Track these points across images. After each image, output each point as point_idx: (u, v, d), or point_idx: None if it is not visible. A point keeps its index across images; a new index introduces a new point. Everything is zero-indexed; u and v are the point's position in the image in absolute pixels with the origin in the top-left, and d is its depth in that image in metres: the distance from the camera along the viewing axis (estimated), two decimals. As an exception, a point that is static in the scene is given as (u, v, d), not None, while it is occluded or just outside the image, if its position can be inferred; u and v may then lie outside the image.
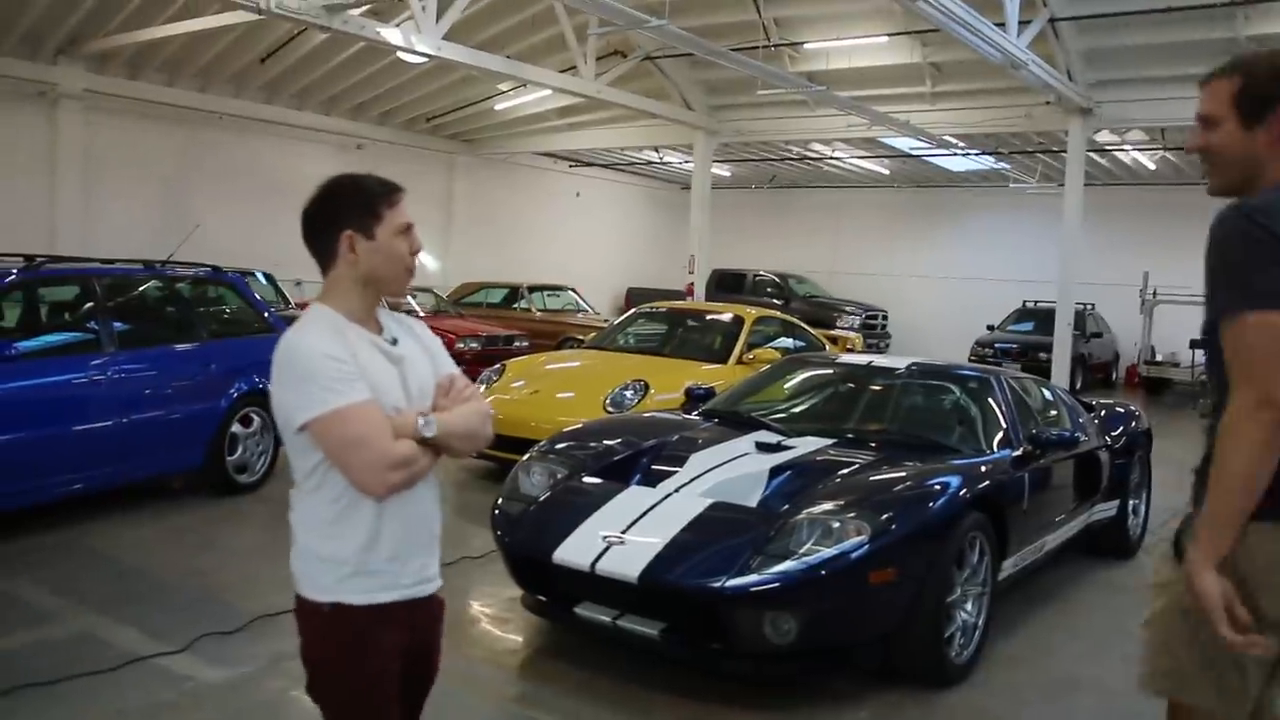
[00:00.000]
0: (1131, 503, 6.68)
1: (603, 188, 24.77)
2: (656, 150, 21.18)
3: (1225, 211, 2.06)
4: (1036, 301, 19.26)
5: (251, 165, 16.80)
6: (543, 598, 4.55)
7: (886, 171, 21.79)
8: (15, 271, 6.04)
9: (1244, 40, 12.20)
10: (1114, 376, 20.04)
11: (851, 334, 14.82)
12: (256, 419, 7.19)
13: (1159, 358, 18.65)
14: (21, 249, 7.01)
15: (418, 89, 17.22)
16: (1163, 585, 2.30)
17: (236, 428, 7.08)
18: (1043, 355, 15.88)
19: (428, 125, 19.50)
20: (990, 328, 19.29)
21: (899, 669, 4.31)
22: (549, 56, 14.89)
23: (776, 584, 3.88)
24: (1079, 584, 6.08)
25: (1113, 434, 6.54)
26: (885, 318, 22.08)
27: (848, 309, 21.31)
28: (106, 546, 5.91)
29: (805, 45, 14.31)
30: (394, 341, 2.26)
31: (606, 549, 4.17)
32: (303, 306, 13.83)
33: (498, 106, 18.13)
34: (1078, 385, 16.29)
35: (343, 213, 2.16)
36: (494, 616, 5.12)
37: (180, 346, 6.95)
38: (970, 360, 17.27)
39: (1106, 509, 6.34)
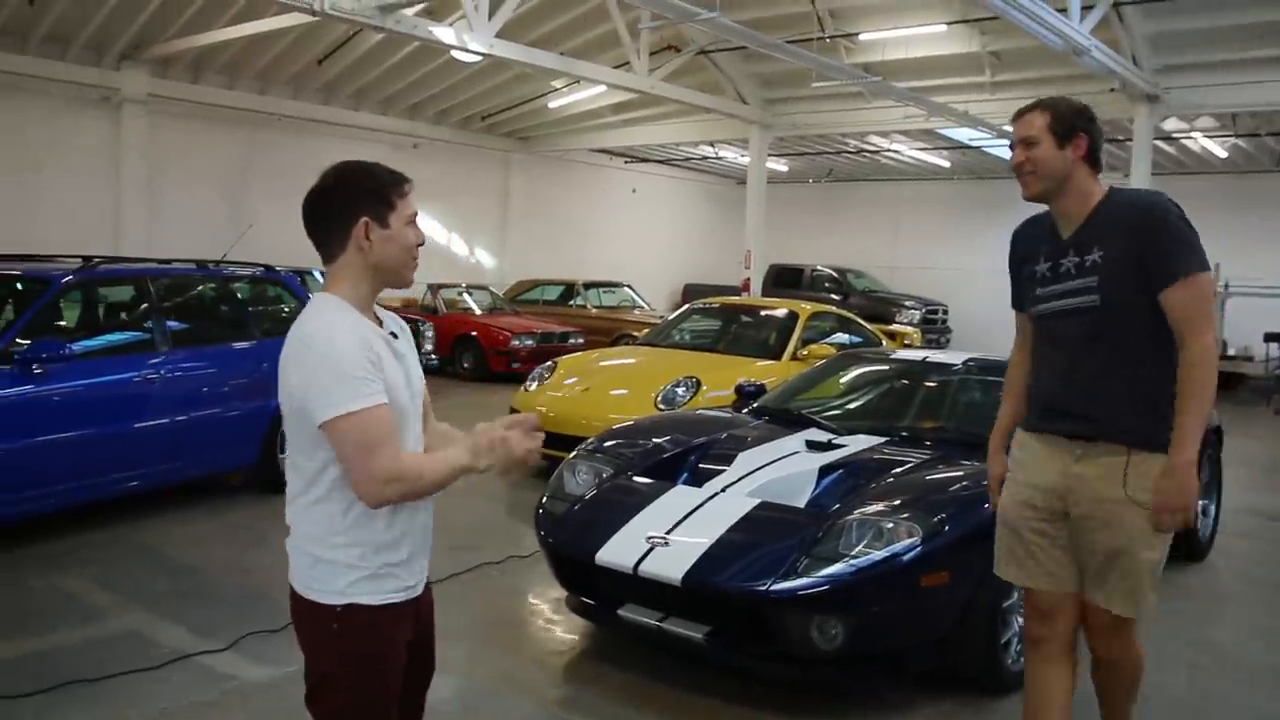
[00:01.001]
0: (1200, 503, 6.42)
1: (658, 183, 24.69)
2: (712, 145, 21.04)
3: (1162, 199, 2.91)
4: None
5: (309, 165, 16.24)
6: (587, 599, 4.48)
7: (946, 164, 21.42)
8: (72, 273, 6.12)
9: (1320, 21, 11.77)
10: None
11: (909, 329, 14.57)
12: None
13: (1231, 352, 18.04)
14: (87, 250, 7.13)
15: (472, 88, 17.31)
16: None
17: (289, 426, 7.10)
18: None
19: (483, 124, 19.59)
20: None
21: (952, 675, 4.16)
22: (602, 53, 14.84)
23: (824, 587, 3.76)
24: (1145, 587, 5.84)
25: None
26: (946, 312, 21.68)
27: (907, 303, 20.98)
28: (159, 543, 5.96)
29: (861, 36, 14.08)
30: (394, 336, 2.25)
31: (650, 550, 4.08)
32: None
33: (552, 104, 18.14)
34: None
35: (358, 199, 2.13)
36: (540, 617, 5.06)
37: (234, 345, 7.01)
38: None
39: (1174, 509, 6.08)
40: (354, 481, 2.04)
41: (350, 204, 2.13)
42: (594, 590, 4.41)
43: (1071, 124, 2.95)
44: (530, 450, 2.15)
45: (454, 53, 13.76)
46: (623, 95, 16.61)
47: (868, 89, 13.95)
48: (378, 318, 2.23)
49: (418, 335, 12.77)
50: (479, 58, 13.42)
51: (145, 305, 6.53)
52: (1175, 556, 6.15)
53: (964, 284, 22.15)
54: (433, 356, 12.98)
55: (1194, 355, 2.78)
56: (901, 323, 18.81)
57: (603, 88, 15.84)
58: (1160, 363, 2.86)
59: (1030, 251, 3.13)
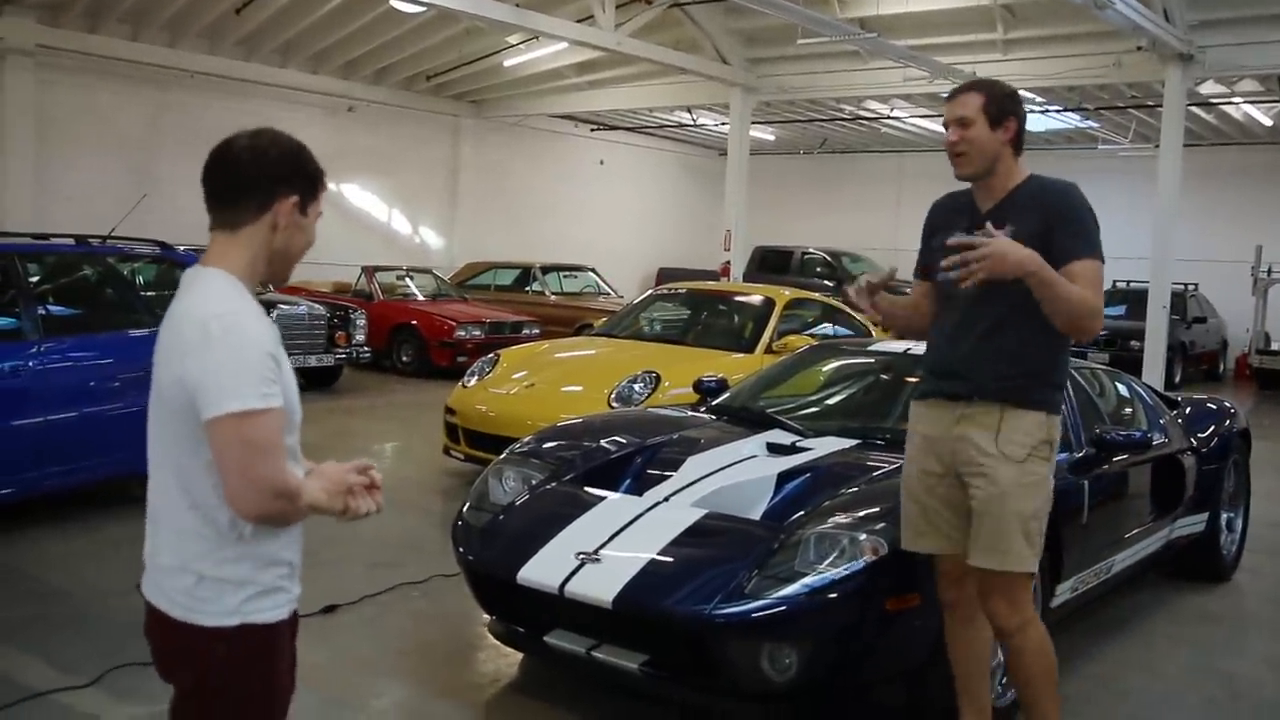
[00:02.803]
0: (1225, 516, 6.43)
1: (629, 154, 24.64)
2: (689, 110, 21.00)
3: (1075, 189, 3.46)
4: (1129, 282, 18.81)
5: (229, 130, 16.51)
6: (513, 624, 4.41)
7: (955, 133, 21.41)
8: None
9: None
10: (1221, 368, 19.60)
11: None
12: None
13: (1275, 346, 18.16)
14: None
15: (416, 43, 17.19)
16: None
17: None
18: (1134, 344, 15.46)
19: (429, 84, 19.48)
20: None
21: (928, 712, 4.11)
22: (564, 5, 14.78)
23: (776, 610, 3.71)
24: (1161, 613, 5.83)
25: (1200, 435, 6.28)
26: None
27: (906, 291, 20.83)
28: (25, 563, 5.85)
29: (856, -14, 14.08)
30: None
31: (579, 567, 4.02)
32: (287, 291, 13.94)
33: (507, 63, 18.05)
34: (1176, 379, 15.91)
35: (294, 174, 2.17)
36: (463, 645, 5.01)
37: (123, 334, 6.89)
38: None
39: (1193, 523, 6.08)
40: (231, 488, 2.01)
41: (285, 175, 2.16)
42: (520, 614, 4.35)
43: (1003, 106, 3.43)
44: (370, 511, 2.15)
45: (394, 1, 13.69)
46: (587, 53, 16.55)
47: (863, 47, 13.94)
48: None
49: (347, 324, 12.65)
50: (423, 8, 13.36)
51: (12, 288, 6.41)
52: (1197, 576, 6.21)
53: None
54: (364, 349, 12.86)
55: (1091, 298, 3.28)
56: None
57: (564, 44, 15.76)
58: (1041, 330, 3.33)
59: (947, 223, 3.57)
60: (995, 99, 3.43)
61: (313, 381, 12.46)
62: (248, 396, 1.98)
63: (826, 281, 20.80)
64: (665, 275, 23.76)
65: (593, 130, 23.21)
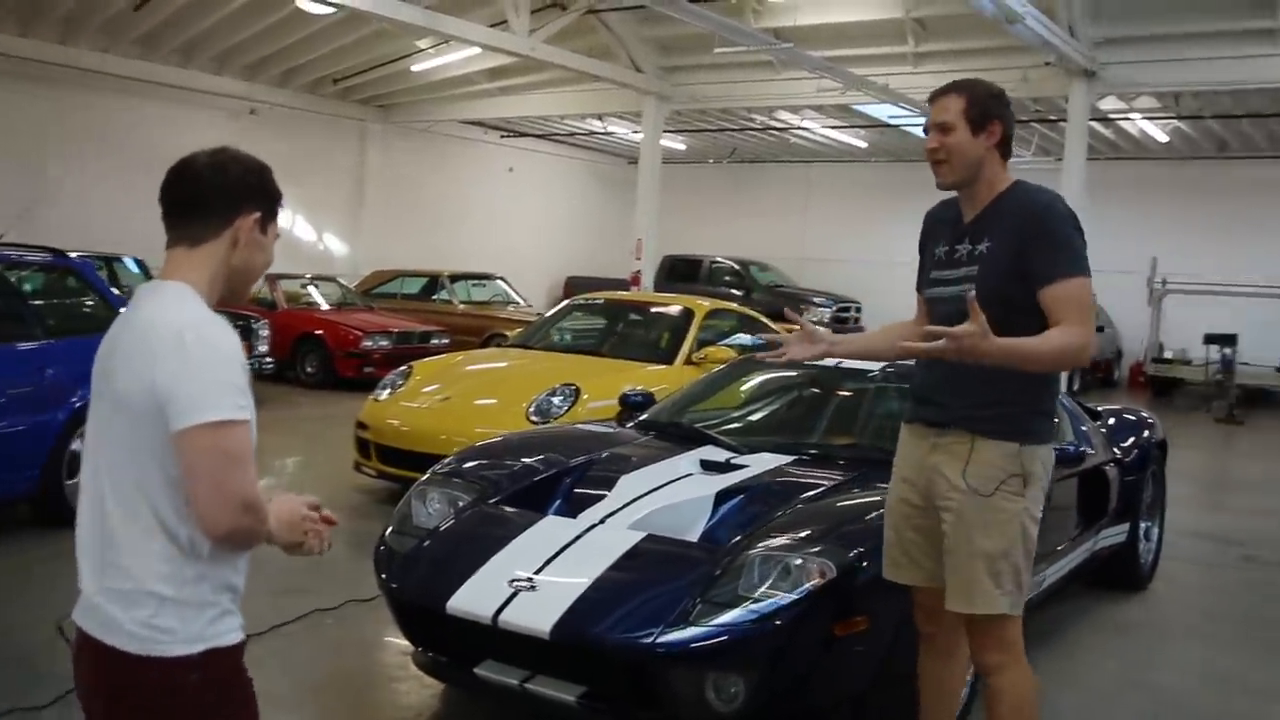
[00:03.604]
0: (1143, 526, 6.46)
1: (539, 162, 24.41)
2: (600, 118, 20.87)
3: (1057, 202, 3.21)
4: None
5: (125, 132, 16.30)
6: (439, 655, 4.19)
7: (863, 144, 21.64)
8: None
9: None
10: (1116, 376, 20.07)
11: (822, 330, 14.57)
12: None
13: (1168, 354, 18.64)
14: None
15: (323, 45, 16.81)
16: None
17: (79, 444, 6.61)
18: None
19: (335, 88, 19.07)
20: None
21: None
22: (476, 8, 14.54)
23: (721, 638, 3.56)
24: (1082, 624, 5.81)
25: (1122, 446, 6.31)
26: (859, 310, 21.95)
27: (816, 300, 21.17)
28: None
29: (770, -3, 14.08)
30: None
31: (514, 595, 3.82)
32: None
33: (416, 67, 17.76)
34: (1074, 386, 16.21)
35: (259, 192, 2.16)
36: (383, 676, 4.78)
37: (8, 347, 6.48)
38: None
39: (1115, 534, 6.09)
40: (202, 501, 1.95)
41: (250, 191, 2.14)
42: (447, 644, 4.14)
43: (986, 109, 3.20)
44: (321, 552, 2.18)
45: (301, 2, 13.33)
46: (499, 59, 16.35)
47: (778, 57, 13.95)
48: None
49: (249, 334, 12.22)
50: (331, 9, 13.02)
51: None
52: (1116, 586, 6.23)
53: (879, 278, 22.35)
54: (268, 360, 12.44)
55: (1061, 337, 3.02)
56: (811, 322, 18.88)
57: (476, 49, 15.53)
58: None
59: (936, 235, 3.45)
60: (977, 101, 3.20)
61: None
62: (224, 407, 1.95)
63: (735, 290, 20.87)
64: (573, 284, 23.60)
65: (502, 137, 22.95)
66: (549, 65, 15.31)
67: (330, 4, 12.52)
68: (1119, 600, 6.24)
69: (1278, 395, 18.21)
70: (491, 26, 14.14)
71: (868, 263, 22.85)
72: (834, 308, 20.93)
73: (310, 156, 19.35)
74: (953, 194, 3.36)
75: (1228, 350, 16.10)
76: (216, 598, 2.06)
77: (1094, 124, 16.75)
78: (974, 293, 2.93)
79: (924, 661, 3.55)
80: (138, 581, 2.00)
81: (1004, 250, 3.14)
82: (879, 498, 4.29)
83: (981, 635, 3.25)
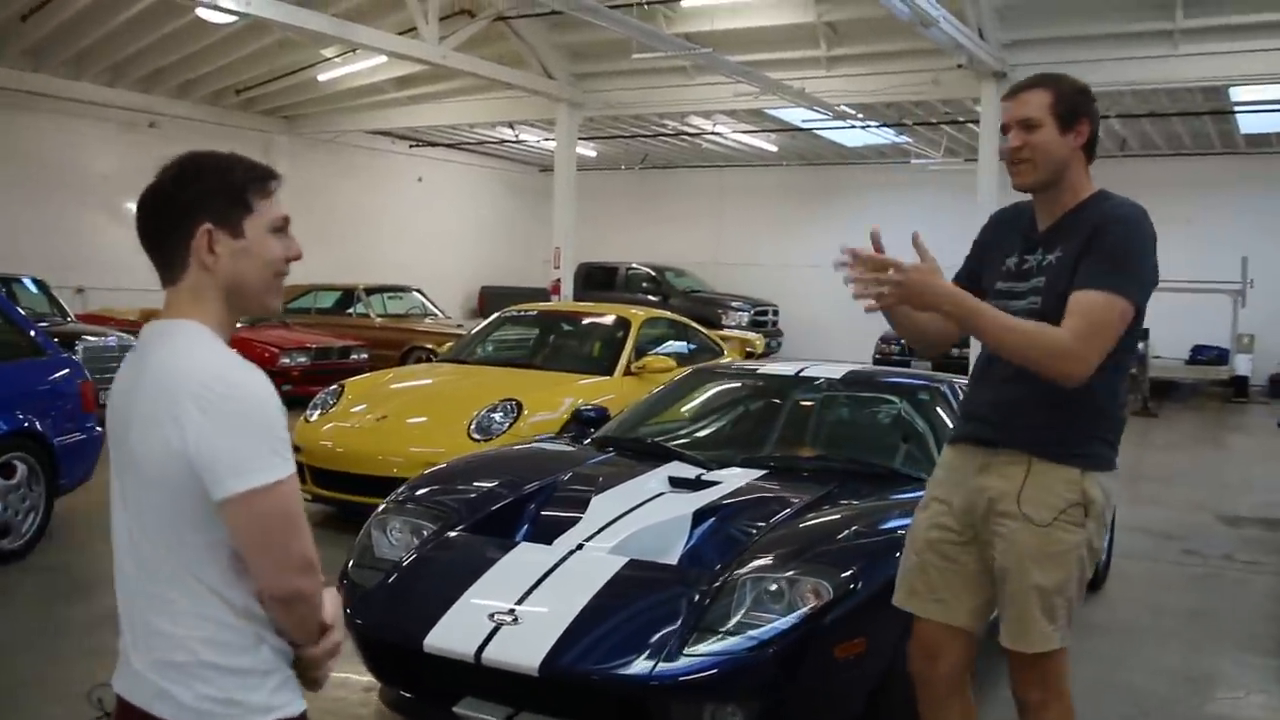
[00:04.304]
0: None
1: (449, 171, 24.05)
2: (512, 126, 20.60)
3: (1132, 214, 2.88)
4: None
5: (15, 147, 15.64)
6: (410, 694, 3.98)
7: (774, 148, 21.71)
8: None
9: (1170, -6, 12.42)
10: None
11: (752, 335, 14.58)
12: (20, 467, 6.35)
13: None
14: None
15: (225, 55, 16.25)
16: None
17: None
18: (955, 351, 15.91)
19: (238, 99, 18.48)
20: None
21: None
22: (384, 16, 14.19)
23: (718, 668, 3.42)
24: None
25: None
26: (776, 313, 22.02)
27: (734, 304, 21.18)
28: None
29: (683, 2, 13.97)
30: None
31: (495, 630, 3.63)
32: (92, 320, 12.91)
33: (322, 77, 17.30)
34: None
35: (200, 200, 1.85)
36: (342, 715, 4.50)
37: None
38: (875, 360, 17.26)
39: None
40: (263, 570, 1.79)
41: (190, 206, 1.85)
42: (420, 682, 3.92)
43: (1075, 106, 2.90)
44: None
45: (200, 10, 12.87)
46: (407, 67, 16.02)
47: (697, 62, 13.88)
48: None
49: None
50: (232, 18, 12.59)
51: None
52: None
53: (795, 281, 22.53)
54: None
55: (1047, 332, 2.77)
56: (729, 326, 18.91)
57: (383, 58, 15.18)
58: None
59: (1004, 240, 3.12)
60: (1066, 97, 2.89)
61: (125, 418, 11.52)
62: (270, 467, 1.75)
63: (651, 297, 20.82)
64: (488, 294, 23.32)
65: (411, 146, 22.52)
66: (459, 73, 15.02)
67: (232, 12, 12.09)
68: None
69: (1187, 387, 18.70)
70: (400, 34, 13.82)
71: (783, 266, 22.97)
72: (751, 311, 20.96)
73: (210, 170, 18.75)
74: (1025, 197, 3.06)
75: (1141, 344, 16.45)
76: (278, 663, 1.87)
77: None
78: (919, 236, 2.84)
79: (926, 712, 3.22)
80: (192, 652, 1.81)
81: (1071, 262, 2.86)
82: (859, 512, 4.26)
83: (1027, 670, 2.99)
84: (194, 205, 1.84)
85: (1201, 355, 18.56)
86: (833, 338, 20.58)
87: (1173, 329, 17.63)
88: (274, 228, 1.91)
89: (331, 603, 1.94)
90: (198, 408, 1.74)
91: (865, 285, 2.69)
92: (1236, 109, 16.61)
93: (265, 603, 1.83)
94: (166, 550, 1.83)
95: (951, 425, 5.13)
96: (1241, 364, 17.86)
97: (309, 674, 1.93)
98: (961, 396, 5.32)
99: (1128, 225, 2.86)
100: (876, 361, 16.94)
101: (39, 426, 6.49)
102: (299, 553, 1.80)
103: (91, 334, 11.15)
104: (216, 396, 1.75)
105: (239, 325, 1.94)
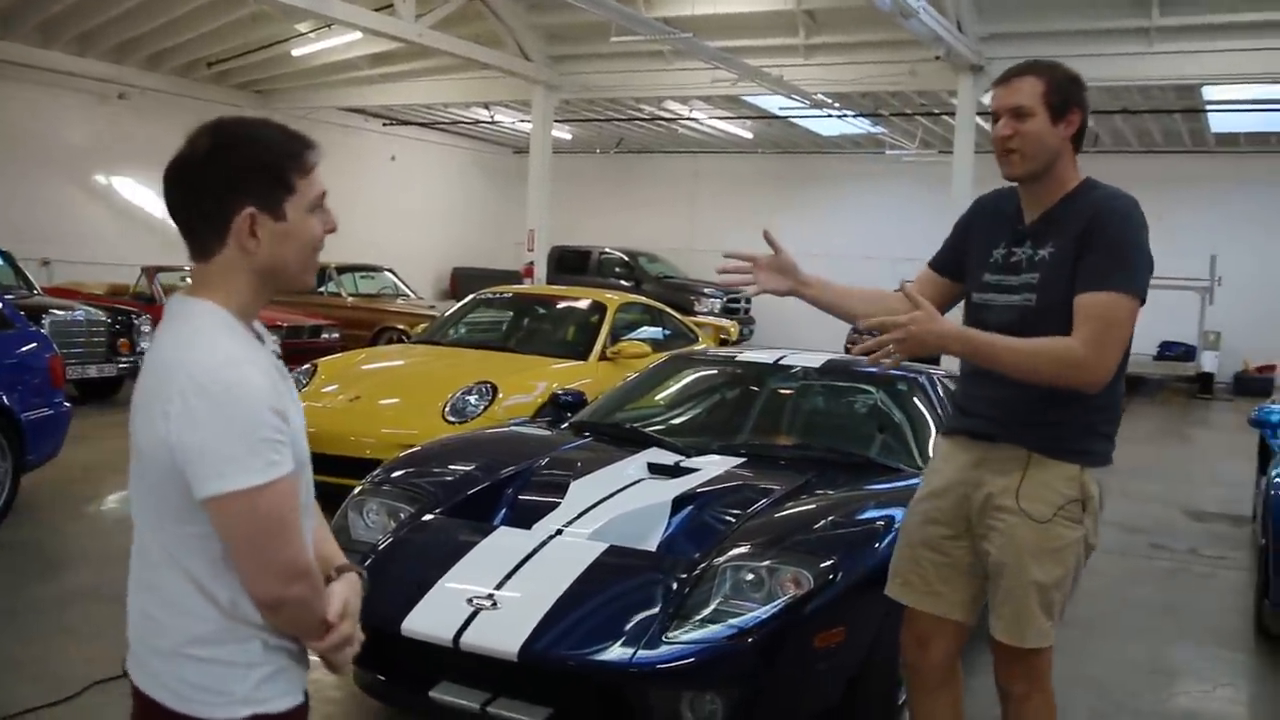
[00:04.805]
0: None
1: (422, 151, 23.89)
2: (487, 107, 20.48)
3: (1125, 205, 2.84)
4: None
5: None
6: (384, 677, 3.95)
7: (749, 135, 21.70)
8: None
9: (1148, -9, 12.49)
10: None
11: (727, 322, 14.59)
12: (-13, 441, 6.28)
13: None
14: None
15: (197, 26, 16.04)
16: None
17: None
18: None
19: (209, 72, 18.26)
20: (866, 311, 19.44)
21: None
22: (361, -9, 14.05)
23: (698, 656, 3.41)
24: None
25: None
26: (749, 301, 22.03)
27: (706, 291, 21.16)
28: None
29: (661, -15, 13.95)
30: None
31: (474, 615, 3.60)
32: (59, 294, 12.70)
33: (296, 52, 17.10)
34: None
35: (241, 179, 1.77)
36: (320, 699, 4.47)
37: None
38: (846, 349, 17.28)
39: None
40: (245, 573, 1.75)
41: (230, 186, 1.76)
42: (396, 666, 3.89)
43: (1068, 95, 2.86)
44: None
45: (174, -19, 12.72)
46: (382, 44, 15.86)
47: (677, 46, 13.81)
48: (258, 334, 1.88)
49: (130, 331, 11.61)
50: (207, -11, 12.44)
51: None
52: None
53: (768, 269, 22.54)
54: (150, 357, 11.82)
55: (1059, 344, 2.74)
56: (701, 312, 18.91)
57: (358, 34, 15.02)
58: None
59: (990, 230, 3.08)
60: (1058, 85, 2.84)
61: (91, 394, 11.40)
62: (252, 471, 1.68)
63: (624, 282, 20.77)
64: (460, 275, 23.21)
65: (384, 125, 22.36)
66: (434, 52, 14.90)
67: (209, -16, 11.95)
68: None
69: (1154, 382, 18.89)
70: (377, 11, 13.69)
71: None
72: (724, 298, 20.96)
73: (179, 144, 18.50)
74: (1010, 184, 3.01)
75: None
76: (268, 657, 1.82)
77: (979, 119, 17.08)
78: (909, 283, 2.85)
79: (913, 697, 3.26)
80: (174, 643, 1.80)
81: (1065, 257, 2.83)
82: (837, 502, 4.27)
83: (1015, 663, 3.00)
84: (234, 185, 1.77)
85: (1169, 351, 18.78)
86: (804, 326, 20.64)
87: (1140, 324, 17.56)
88: (313, 205, 1.85)
89: (344, 594, 1.90)
90: (184, 402, 1.69)
91: (874, 352, 2.72)
92: (1208, 108, 16.75)
93: (258, 608, 1.79)
94: (157, 537, 1.81)
95: (929, 416, 5.19)
96: (1208, 361, 18.07)
97: (327, 661, 1.92)
98: (940, 388, 5.39)
99: (1122, 217, 2.83)
100: (848, 351, 16.99)
101: (5, 401, 6.40)
102: (285, 560, 1.74)
103: (60, 308, 11.01)
104: (201, 391, 1.68)
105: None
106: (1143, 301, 2.80)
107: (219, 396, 1.68)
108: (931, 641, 3.12)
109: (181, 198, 1.80)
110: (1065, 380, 2.75)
